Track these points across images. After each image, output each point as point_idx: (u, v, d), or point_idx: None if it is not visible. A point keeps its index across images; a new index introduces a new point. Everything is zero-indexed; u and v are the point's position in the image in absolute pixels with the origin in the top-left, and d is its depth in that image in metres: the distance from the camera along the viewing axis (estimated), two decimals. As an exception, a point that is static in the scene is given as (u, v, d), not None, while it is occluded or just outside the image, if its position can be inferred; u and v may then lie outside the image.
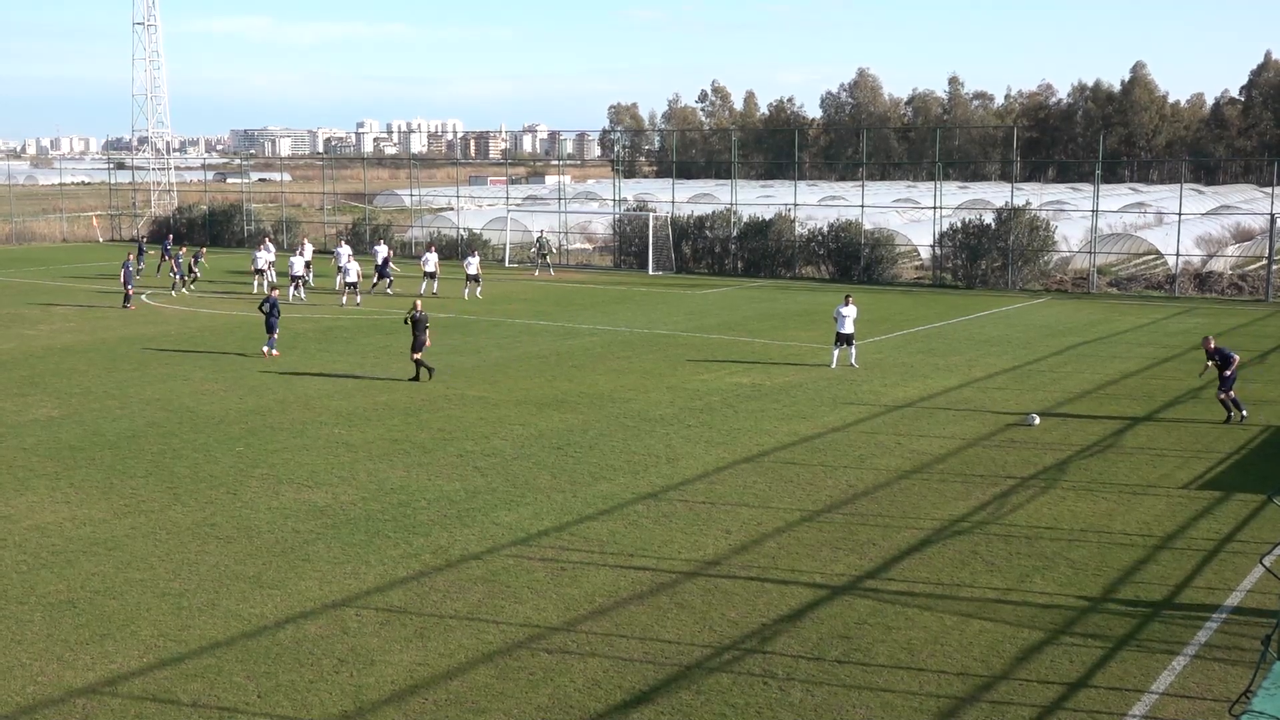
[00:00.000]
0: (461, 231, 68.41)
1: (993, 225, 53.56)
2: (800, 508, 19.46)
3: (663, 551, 17.46)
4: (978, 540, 17.95)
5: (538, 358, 33.79)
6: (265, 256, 49.07)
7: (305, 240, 53.99)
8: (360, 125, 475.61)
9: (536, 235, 63.62)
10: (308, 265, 47.98)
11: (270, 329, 33.53)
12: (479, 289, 47.50)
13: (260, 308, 33.81)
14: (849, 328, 31.47)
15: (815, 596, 15.81)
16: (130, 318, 42.11)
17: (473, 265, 47.65)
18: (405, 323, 32.53)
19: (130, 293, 44.26)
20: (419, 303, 31.28)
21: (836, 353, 31.75)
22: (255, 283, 49.17)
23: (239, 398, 28.19)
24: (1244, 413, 25.65)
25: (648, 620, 15.05)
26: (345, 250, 48.09)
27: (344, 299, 46.02)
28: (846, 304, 31.83)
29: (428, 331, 31.54)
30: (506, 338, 37.65)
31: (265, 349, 33.54)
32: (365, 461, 22.32)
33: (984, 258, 53.26)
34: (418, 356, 30.16)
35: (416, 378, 29.83)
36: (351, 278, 45.79)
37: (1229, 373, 25.62)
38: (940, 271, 54.44)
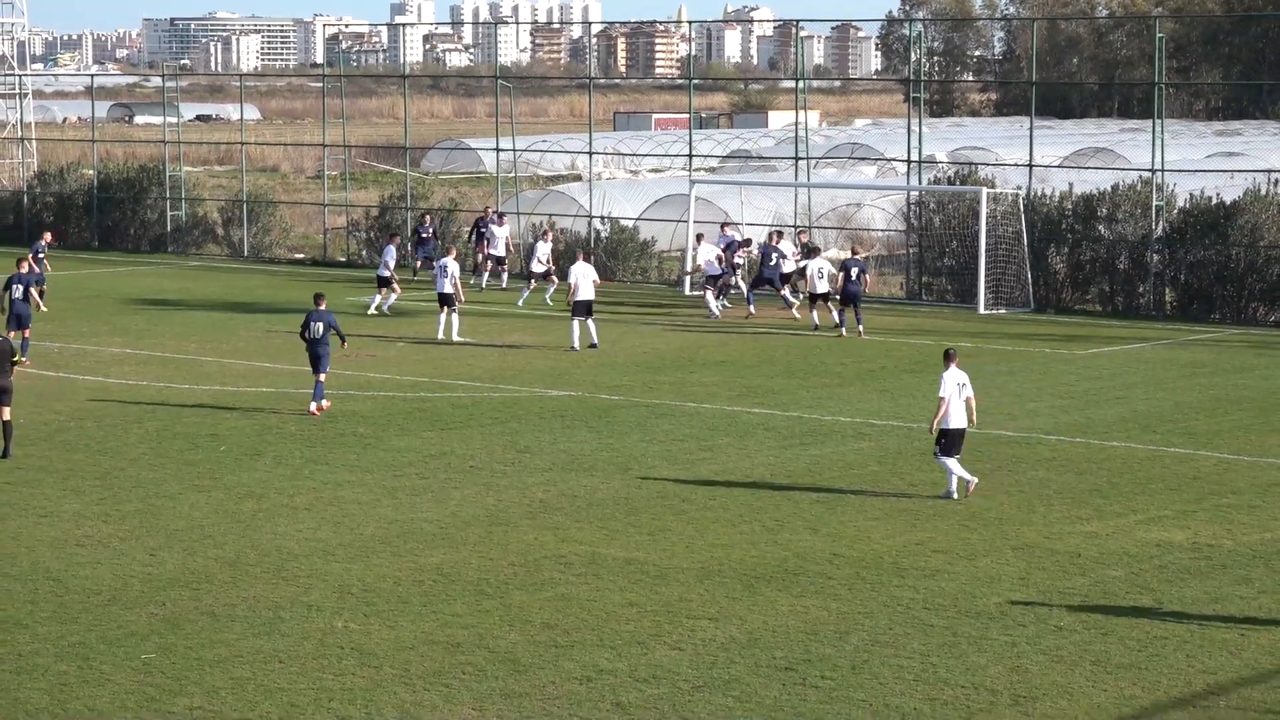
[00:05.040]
0: (599, 224, 69.30)
1: None
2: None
3: None
4: None
5: (745, 483, 34.09)
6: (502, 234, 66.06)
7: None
8: (399, 9, 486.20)
9: (753, 242, 64.09)
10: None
11: None
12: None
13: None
14: None
15: None
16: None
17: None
18: None
19: (26, 335, 46.47)
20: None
21: None
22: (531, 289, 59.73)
23: (149, 552, 28.68)
24: None
25: None
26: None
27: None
28: None
29: (11, 372, 35.50)
30: (682, 440, 38.05)
31: None
32: (397, 689, 22.48)
33: None
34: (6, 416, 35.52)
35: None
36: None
37: None
38: None
